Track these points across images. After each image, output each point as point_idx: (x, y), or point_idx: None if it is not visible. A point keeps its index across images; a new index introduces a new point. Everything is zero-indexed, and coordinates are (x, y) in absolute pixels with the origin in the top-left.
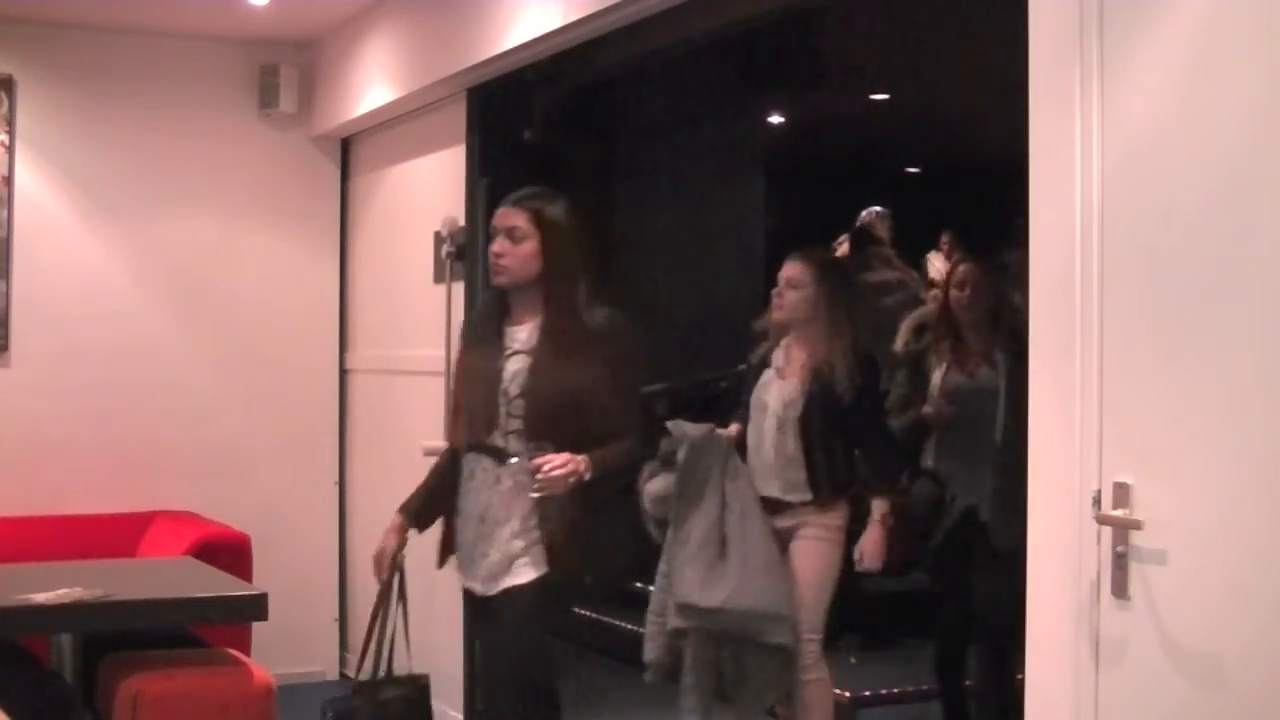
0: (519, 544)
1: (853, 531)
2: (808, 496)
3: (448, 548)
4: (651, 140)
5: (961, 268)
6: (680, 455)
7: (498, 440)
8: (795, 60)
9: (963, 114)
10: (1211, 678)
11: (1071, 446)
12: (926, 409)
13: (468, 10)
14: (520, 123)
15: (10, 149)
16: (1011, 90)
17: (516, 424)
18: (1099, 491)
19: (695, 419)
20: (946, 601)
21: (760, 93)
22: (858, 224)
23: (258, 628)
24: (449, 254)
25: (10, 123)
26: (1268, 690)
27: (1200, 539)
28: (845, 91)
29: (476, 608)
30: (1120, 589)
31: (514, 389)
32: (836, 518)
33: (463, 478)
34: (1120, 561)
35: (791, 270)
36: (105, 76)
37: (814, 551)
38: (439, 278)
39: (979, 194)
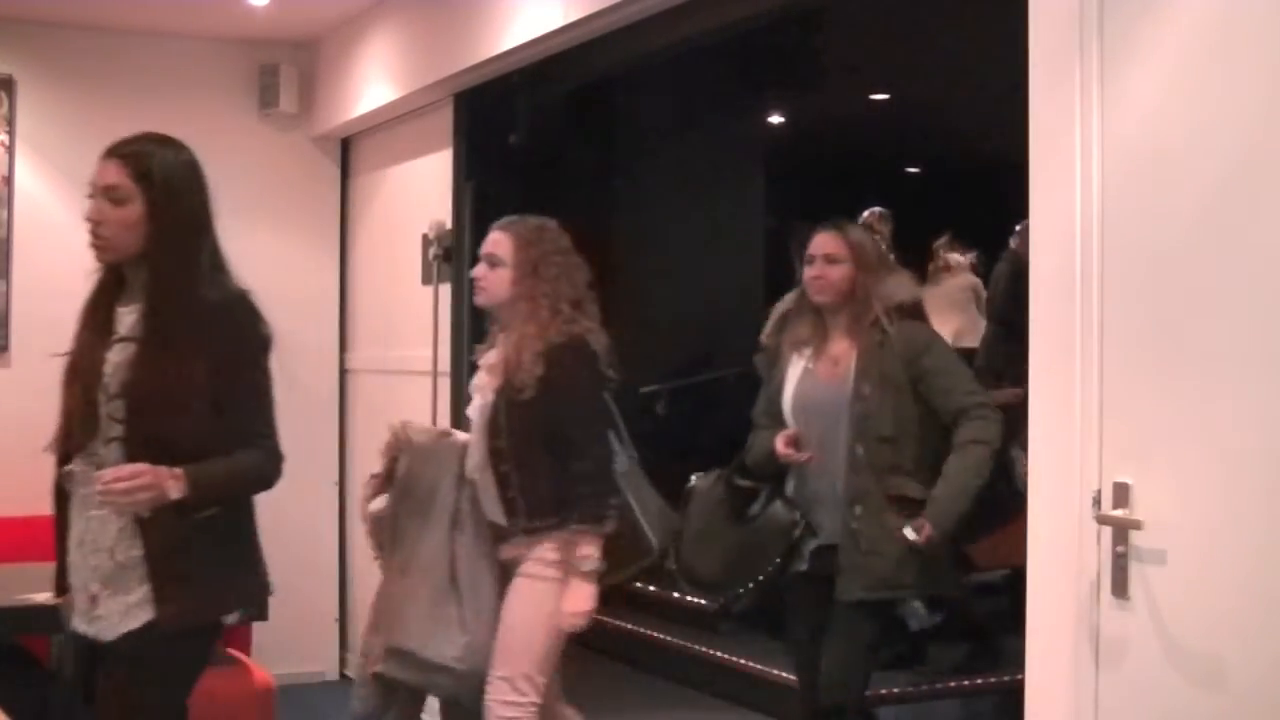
0: (129, 579)
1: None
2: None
3: (60, 584)
4: (649, 142)
5: (819, 236)
6: (401, 465)
7: (99, 449)
8: (794, 60)
9: (963, 114)
10: (1211, 678)
11: (1071, 446)
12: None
13: (457, 15)
14: (506, 127)
15: (10, 149)
16: (1012, 90)
17: (118, 429)
18: (1099, 491)
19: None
20: (800, 672)
21: (756, 93)
22: (859, 224)
23: (258, 628)
24: (436, 256)
25: (10, 123)
26: (1268, 690)
27: (1200, 539)
28: (844, 91)
29: (86, 656)
30: (1120, 589)
31: (114, 386)
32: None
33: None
34: (1120, 561)
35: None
36: (105, 76)
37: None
38: (427, 279)
39: (979, 194)
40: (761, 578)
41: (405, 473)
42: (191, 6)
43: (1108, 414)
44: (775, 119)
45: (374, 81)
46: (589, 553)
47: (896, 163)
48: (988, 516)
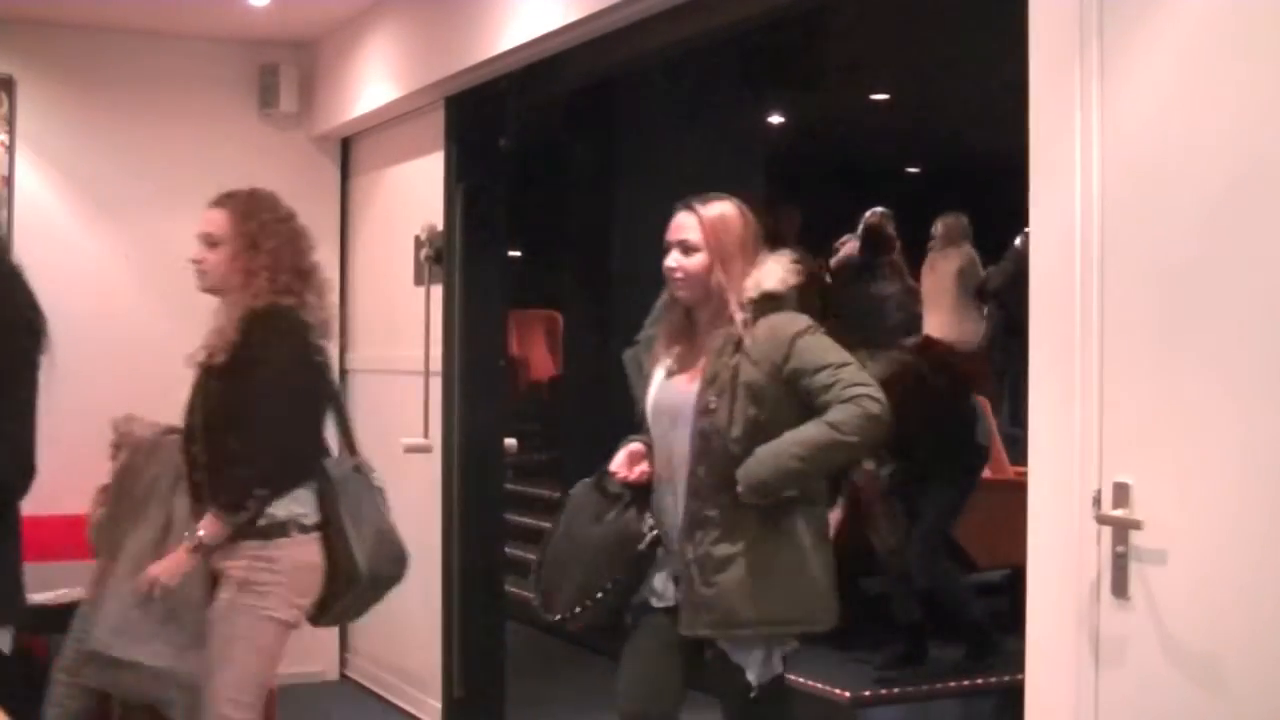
0: None
1: None
2: None
3: None
4: (648, 143)
5: (674, 219)
6: (120, 459)
7: None
8: (794, 60)
9: (963, 114)
10: (1211, 678)
11: (1071, 446)
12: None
13: (450, 18)
14: (499, 130)
15: (10, 149)
16: (1012, 90)
17: None
18: (1099, 491)
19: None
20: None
21: (756, 93)
22: (863, 225)
23: None
24: (428, 257)
25: (10, 123)
26: (1268, 690)
27: (1200, 539)
28: (844, 91)
29: None
30: (1120, 589)
31: None
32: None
33: None
34: (1120, 561)
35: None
36: (105, 76)
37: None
38: (419, 280)
39: (979, 194)
40: (600, 595)
41: (124, 468)
42: (191, 6)
43: (1108, 414)
44: (775, 119)
45: (373, 82)
46: (209, 531)
47: (897, 163)
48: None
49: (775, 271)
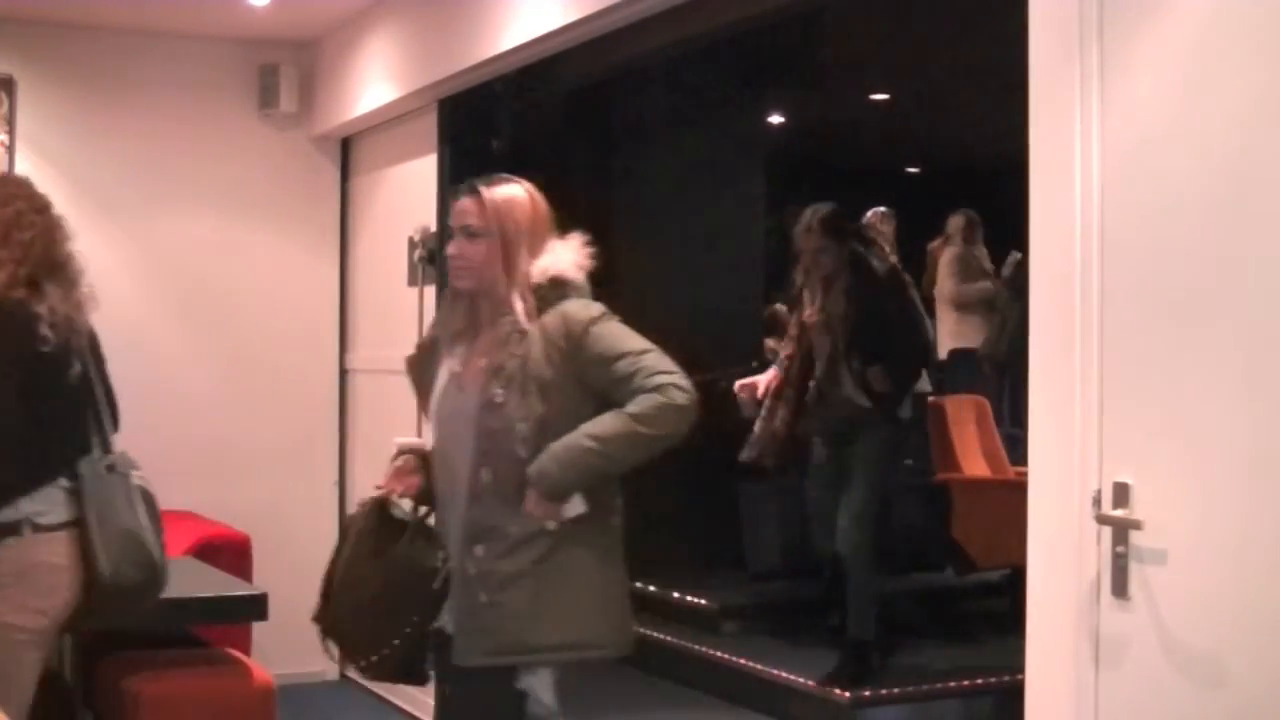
0: None
1: None
2: None
3: None
4: (648, 143)
5: (456, 203)
6: None
7: None
8: (794, 60)
9: (963, 114)
10: (1211, 678)
11: (1071, 446)
12: None
13: (446, 20)
14: (492, 132)
15: (10, 149)
16: (1012, 90)
17: None
18: (1099, 491)
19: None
20: None
21: (756, 93)
22: (862, 224)
23: (258, 628)
24: (421, 259)
25: (10, 123)
26: (1268, 690)
27: (1200, 539)
28: (844, 91)
29: None
30: (1120, 589)
31: None
32: None
33: None
34: (1120, 561)
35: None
36: (105, 76)
37: None
38: (412, 281)
39: (979, 194)
40: (398, 641)
41: None
42: (191, 6)
43: (1108, 414)
44: (775, 119)
45: (372, 82)
46: None
47: (897, 163)
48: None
49: (565, 256)
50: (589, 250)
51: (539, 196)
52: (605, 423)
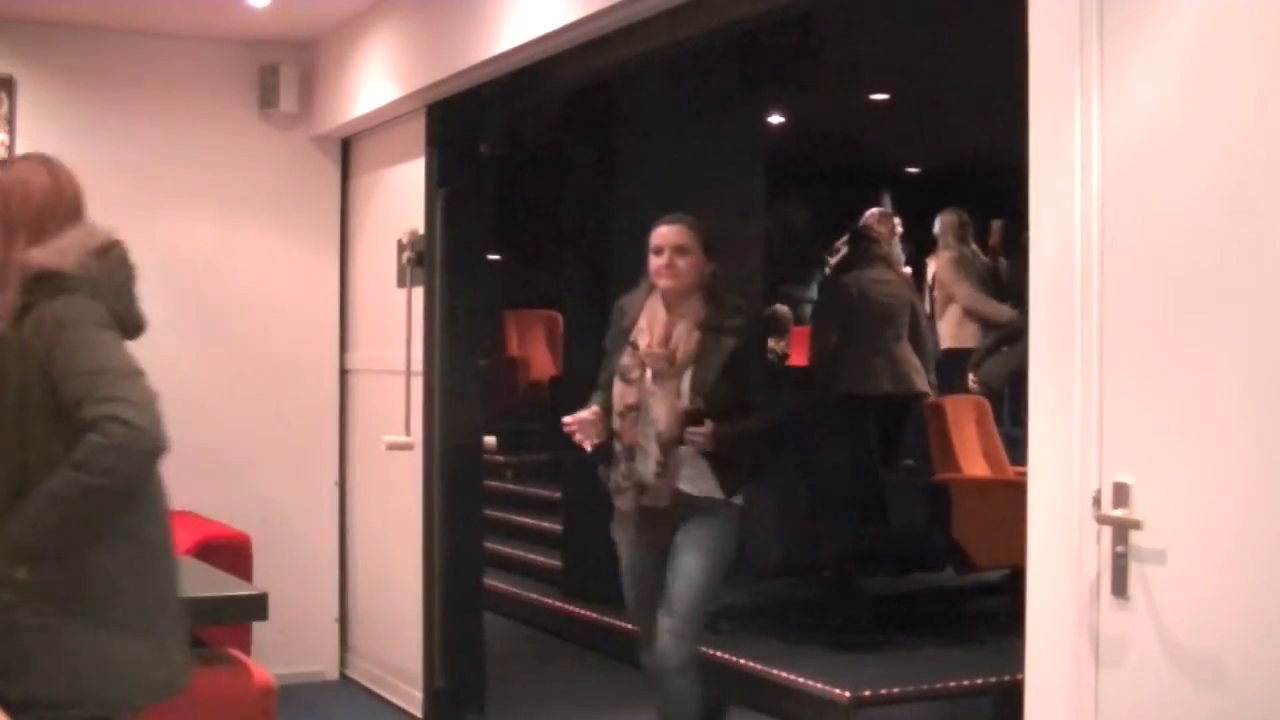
0: None
1: None
2: None
3: None
4: (647, 143)
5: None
6: None
7: None
8: (794, 60)
9: (963, 114)
10: (1211, 677)
11: (1071, 446)
12: None
13: (444, 22)
14: (479, 136)
15: (10, 149)
16: (1012, 90)
17: None
18: (1099, 491)
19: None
20: None
21: (756, 93)
22: (860, 224)
23: (258, 628)
24: (409, 260)
25: (10, 123)
26: (1268, 690)
27: (1200, 539)
28: (844, 91)
29: None
30: (1120, 589)
31: None
32: None
33: None
34: (1120, 561)
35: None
36: (105, 76)
37: None
38: (400, 282)
39: (979, 194)
40: None
41: None
42: (191, 6)
43: (1108, 414)
44: (775, 119)
45: (372, 83)
46: None
47: (897, 163)
48: None
49: (68, 248)
50: (101, 244)
51: (66, 178)
52: (53, 482)
